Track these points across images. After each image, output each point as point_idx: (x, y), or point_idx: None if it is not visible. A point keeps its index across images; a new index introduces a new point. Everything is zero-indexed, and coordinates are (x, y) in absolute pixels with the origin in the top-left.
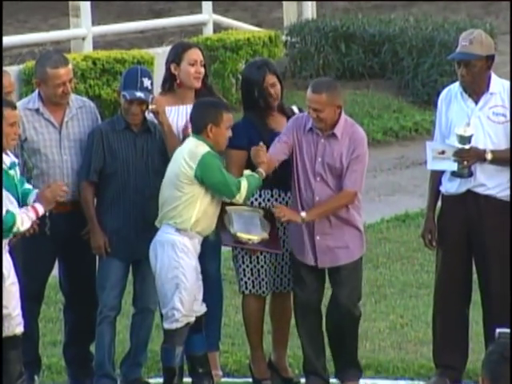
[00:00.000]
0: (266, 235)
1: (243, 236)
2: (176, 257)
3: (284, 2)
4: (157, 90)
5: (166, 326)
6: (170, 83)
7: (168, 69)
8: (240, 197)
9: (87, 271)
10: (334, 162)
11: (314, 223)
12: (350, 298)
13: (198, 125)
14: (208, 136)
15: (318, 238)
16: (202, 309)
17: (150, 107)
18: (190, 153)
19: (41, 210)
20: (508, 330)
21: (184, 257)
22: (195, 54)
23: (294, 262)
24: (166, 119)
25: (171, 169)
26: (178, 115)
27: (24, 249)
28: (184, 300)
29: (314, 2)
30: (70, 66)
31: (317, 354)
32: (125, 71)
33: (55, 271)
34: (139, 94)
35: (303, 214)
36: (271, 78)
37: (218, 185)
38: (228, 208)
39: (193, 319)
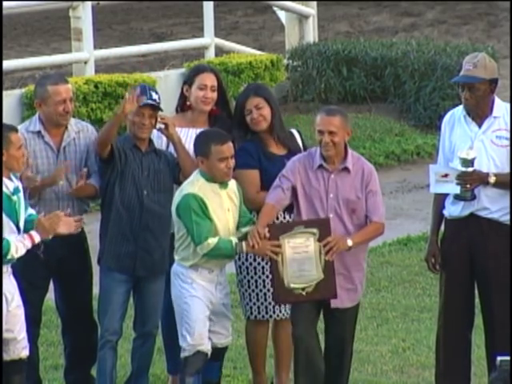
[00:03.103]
0: (321, 274)
1: (297, 286)
2: (180, 287)
3: (286, 26)
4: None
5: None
6: (182, 104)
7: (182, 89)
8: (201, 248)
9: (83, 294)
10: (349, 195)
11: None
12: (351, 335)
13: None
14: (203, 168)
15: None
16: (224, 342)
17: (159, 119)
18: (180, 188)
19: (37, 238)
20: (508, 358)
21: (187, 287)
22: (207, 79)
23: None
24: (175, 131)
25: None
26: (187, 137)
27: (17, 273)
28: (189, 330)
29: (316, 26)
30: (70, 86)
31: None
32: None
33: (53, 294)
34: (150, 101)
35: (350, 241)
36: (255, 101)
37: (188, 228)
38: (281, 237)
39: (205, 348)
